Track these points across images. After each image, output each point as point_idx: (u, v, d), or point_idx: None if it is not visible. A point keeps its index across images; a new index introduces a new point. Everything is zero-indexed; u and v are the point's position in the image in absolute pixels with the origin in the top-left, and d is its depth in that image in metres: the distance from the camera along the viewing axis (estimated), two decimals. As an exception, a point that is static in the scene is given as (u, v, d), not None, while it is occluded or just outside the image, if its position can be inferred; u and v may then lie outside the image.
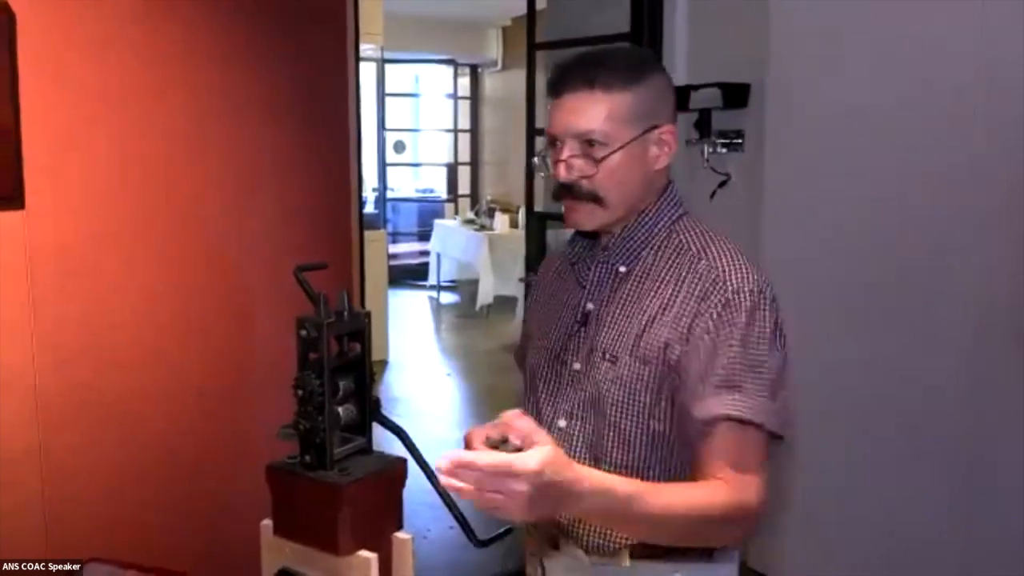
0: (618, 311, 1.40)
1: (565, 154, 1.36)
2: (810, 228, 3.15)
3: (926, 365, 2.85)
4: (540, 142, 3.87)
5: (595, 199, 1.36)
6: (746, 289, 1.32)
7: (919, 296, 2.86)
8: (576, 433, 1.41)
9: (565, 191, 1.38)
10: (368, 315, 1.39)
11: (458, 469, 1.06)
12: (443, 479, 1.07)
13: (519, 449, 1.18)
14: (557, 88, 1.37)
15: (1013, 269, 2.61)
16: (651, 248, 1.41)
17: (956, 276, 2.76)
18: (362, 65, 5.64)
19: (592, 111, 1.33)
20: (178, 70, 2.32)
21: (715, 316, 1.31)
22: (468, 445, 1.33)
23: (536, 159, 1.46)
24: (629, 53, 1.42)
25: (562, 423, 1.43)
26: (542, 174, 1.46)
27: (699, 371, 1.30)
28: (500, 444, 1.32)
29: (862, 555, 3.02)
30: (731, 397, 1.28)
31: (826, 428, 2.98)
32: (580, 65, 1.35)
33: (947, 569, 2.80)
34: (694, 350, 1.31)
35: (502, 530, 1.60)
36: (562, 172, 1.37)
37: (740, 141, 3.46)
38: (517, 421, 1.19)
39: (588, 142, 1.34)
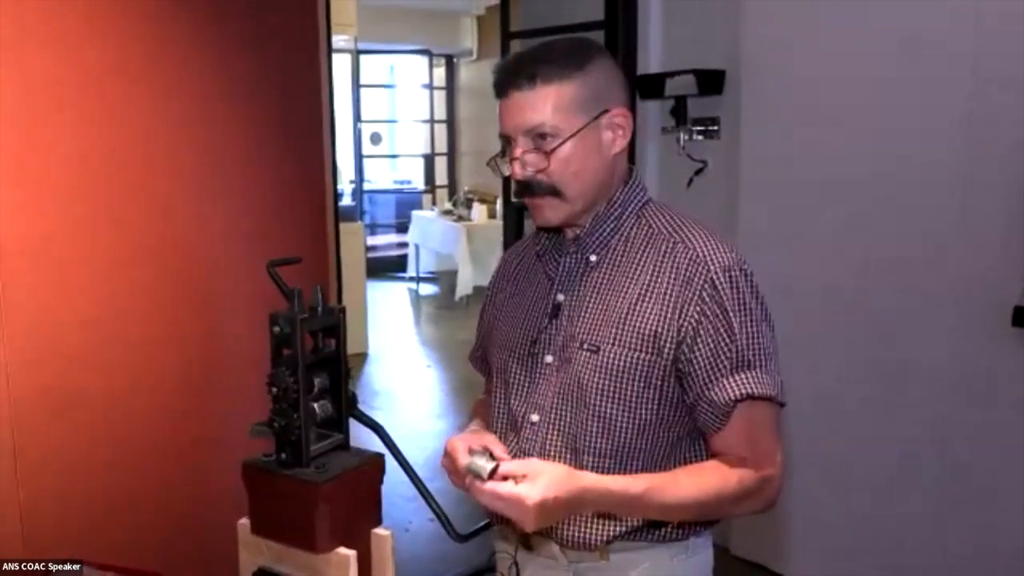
0: (593, 300, 1.39)
1: (518, 152, 1.36)
2: (787, 214, 3.15)
3: (905, 353, 2.87)
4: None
5: (554, 192, 1.36)
6: (728, 267, 1.33)
7: (898, 282, 2.87)
8: (551, 427, 1.40)
9: (524, 189, 1.38)
10: (343, 310, 1.38)
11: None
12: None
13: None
14: (501, 89, 1.37)
15: (994, 257, 2.61)
16: (621, 235, 1.41)
17: (935, 265, 2.77)
18: (336, 56, 5.61)
19: (537, 105, 1.33)
20: (147, 63, 2.28)
21: (705, 300, 1.32)
22: (451, 456, 1.33)
23: (491, 163, 1.45)
24: (567, 43, 1.40)
25: (535, 417, 1.42)
26: (499, 176, 1.45)
27: (708, 359, 1.32)
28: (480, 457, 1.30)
29: (858, 547, 3.05)
30: (747, 376, 1.31)
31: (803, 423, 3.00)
32: (520, 63, 1.36)
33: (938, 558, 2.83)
34: (695, 340, 1.32)
35: (482, 524, 1.59)
36: (517, 170, 1.37)
37: (716, 128, 3.46)
38: (496, 447, 1.32)
39: (539, 136, 1.34)
